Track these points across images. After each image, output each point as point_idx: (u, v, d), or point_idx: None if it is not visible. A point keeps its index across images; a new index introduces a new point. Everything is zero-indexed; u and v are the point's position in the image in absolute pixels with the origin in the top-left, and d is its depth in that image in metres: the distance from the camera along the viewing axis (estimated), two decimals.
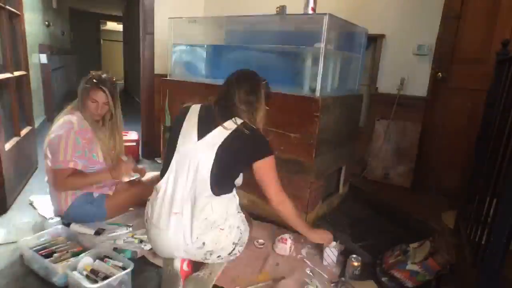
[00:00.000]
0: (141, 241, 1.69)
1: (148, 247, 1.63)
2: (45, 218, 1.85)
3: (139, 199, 1.86)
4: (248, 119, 1.38)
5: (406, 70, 2.68)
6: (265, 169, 1.39)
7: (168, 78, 2.55)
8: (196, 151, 1.32)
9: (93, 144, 1.80)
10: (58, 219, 1.71)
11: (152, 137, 3.12)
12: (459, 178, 2.45)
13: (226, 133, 1.32)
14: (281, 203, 1.46)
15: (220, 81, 2.22)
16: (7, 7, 2.15)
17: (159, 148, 2.60)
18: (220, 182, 1.34)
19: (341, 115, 2.03)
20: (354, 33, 2.25)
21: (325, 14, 1.70)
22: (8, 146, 2.06)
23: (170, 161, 1.36)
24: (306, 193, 1.86)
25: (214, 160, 1.30)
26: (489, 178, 1.44)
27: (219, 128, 1.33)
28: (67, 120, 1.75)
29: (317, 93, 1.78)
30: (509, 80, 1.41)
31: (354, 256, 1.56)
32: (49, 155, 1.71)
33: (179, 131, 1.38)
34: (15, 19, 2.40)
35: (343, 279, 1.51)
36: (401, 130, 2.75)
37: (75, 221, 1.78)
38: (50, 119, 4.51)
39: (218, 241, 1.35)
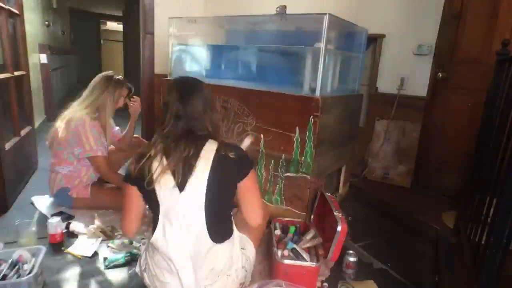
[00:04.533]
0: (131, 242, 1.69)
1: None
2: (46, 218, 1.86)
3: (109, 205, 2.04)
4: (211, 132, 1.19)
5: (406, 70, 2.68)
6: (249, 187, 1.21)
7: (168, 78, 2.55)
8: (183, 206, 1.12)
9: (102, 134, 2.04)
10: (58, 219, 1.71)
11: (152, 137, 3.12)
12: (459, 178, 2.45)
13: (207, 167, 1.11)
14: (265, 217, 1.44)
15: (220, 81, 2.23)
16: (7, 7, 2.15)
17: None
18: (218, 228, 1.19)
19: (341, 115, 2.03)
20: (354, 33, 2.25)
21: (325, 14, 1.70)
22: (8, 146, 2.06)
23: (158, 216, 1.16)
24: (306, 193, 1.86)
25: (205, 205, 1.12)
26: (489, 178, 1.44)
27: (196, 167, 1.11)
28: (79, 119, 1.95)
29: (317, 93, 1.78)
30: (509, 80, 1.41)
31: (351, 251, 1.57)
32: (72, 146, 1.95)
33: (153, 190, 1.13)
34: (15, 19, 2.40)
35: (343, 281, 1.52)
36: (401, 130, 2.75)
37: (58, 203, 2.05)
38: (50, 119, 4.50)
39: (226, 287, 1.25)
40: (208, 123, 1.19)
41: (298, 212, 1.90)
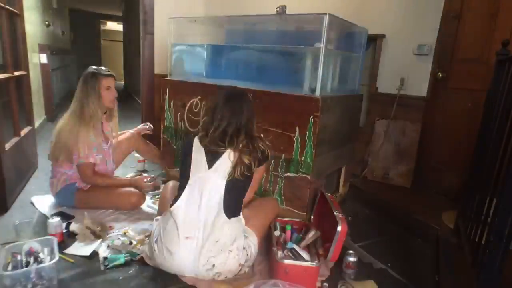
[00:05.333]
0: (130, 242, 1.68)
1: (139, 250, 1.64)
2: (46, 217, 1.86)
3: (108, 204, 2.04)
4: (246, 132, 1.45)
5: (406, 70, 2.68)
6: (257, 176, 1.52)
7: (168, 78, 2.55)
8: (208, 179, 1.40)
9: (101, 135, 2.05)
10: (58, 219, 1.71)
11: (152, 137, 3.12)
12: (459, 178, 2.46)
13: (233, 157, 1.40)
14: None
15: (220, 81, 2.23)
16: (7, 7, 2.15)
17: (159, 147, 2.60)
18: (232, 206, 1.43)
19: (341, 115, 2.03)
20: (354, 33, 2.25)
21: (325, 14, 1.70)
22: (8, 146, 2.06)
23: (183, 189, 1.44)
24: (306, 193, 1.86)
25: (226, 186, 1.39)
26: (489, 178, 1.44)
27: (225, 154, 1.41)
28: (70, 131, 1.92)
29: (317, 93, 1.78)
30: (509, 80, 1.41)
31: (351, 251, 1.57)
32: (70, 154, 1.93)
33: (190, 161, 1.44)
34: (15, 19, 2.40)
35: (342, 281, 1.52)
36: (401, 130, 2.75)
37: (59, 203, 2.05)
38: (50, 119, 4.51)
39: (226, 263, 1.39)
40: (244, 123, 1.45)
41: (298, 212, 1.90)
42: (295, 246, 1.53)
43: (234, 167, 1.39)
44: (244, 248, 1.44)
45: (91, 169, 1.95)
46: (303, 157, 1.82)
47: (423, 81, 2.62)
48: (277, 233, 1.66)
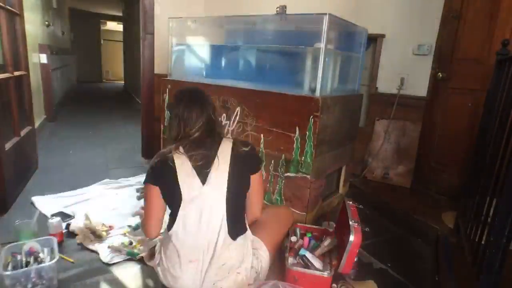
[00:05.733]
0: (131, 243, 1.68)
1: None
2: (46, 217, 1.86)
3: None
4: (220, 131, 1.33)
5: (406, 70, 2.68)
6: (258, 180, 1.35)
7: (168, 78, 2.55)
8: (206, 197, 1.22)
9: None
10: (58, 219, 1.71)
11: (152, 137, 3.12)
12: (459, 178, 2.46)
13: (227, 162, 1.23)
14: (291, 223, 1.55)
15: (220, 81, 2.23)
16: (7, 7, 2.15)
17: (159, 147, 2.60)
18: (235, 223, 1.27)
19: (341, 115, 2.03)
20: (354, 33, 2.25)
21: (325, 14, 1.70)
22: (8, 146, 2.06)
23: (177, 212, 1.23)
24: (306, 193, 1.85)
25: (227, 198, 1.23)
26: (489, 178, 1.44)
27: (216, 162, 1.23)
28: None
29: (317, 93, 1.78)
30: (509, 80, 1.41)
31: None
32: None
33: (177, 185, 1.21)
34: (15, 19, 2.40)
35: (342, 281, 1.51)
36: (401, 130, 2.75)
37: None
38: (50, 119, 4.50)
39: (234, 285, 1.28)
40: (218, 125, 1.31)
41: (298, 212, 1.90)
42: (307, 254, 1.48)
43: (230, 175, 1.22)
44: (252, 267, 1.32)
45: None
46: (303, 157, 1.82)
47: (423, 81, 2.62)
48: (293, 239, 1.62)
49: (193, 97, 1.30)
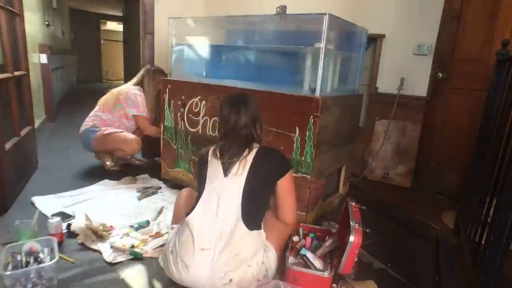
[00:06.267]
0: (132, 246, 1.67)
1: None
2: (46, 217, 1.86)
3: (118, 150, 2.73)
4: (256, 136, 1.45)
5: (406, 70, 2.68)
6: (287, 186, 1.42)
7: (168, 78, 2.55)
8: (224, 188, 1.35)
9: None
10: (58, 219, 1.71)
11: (152, 137, 3.12)
12: (459, 178, 2.46)
13: (249, 163, 1.35)
14: (296, 220, 1.53)
15: (220, 81, 2.23)
16: (7, 7, 2.15)
17: (158, 147, 2.60)
18: (252, 216, 1.36)
19: (341, 115, 2.03)
20: (354, 33, 2.25)
21: (325, 14, 1.70)
22: (8, 146, 2.06)
23: (199, 198, 1.39)
24: (306, 193, 1.85)
25: (243, 192, 1.33)
26: (489, 178, 1.44)
27: (242, 160, 1.36)
28: (135, 90, 2.80)
29: (317, 93, 1.78)
30: (509, 80, 1.41)
31: None
32: (128, 105, 2.74)
33: (206, 171, 1.41)
34: (15, 19, 2.40)
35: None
36: (401, 130, 2.75)
37: (82, 140, 2.79)
38: (50, 119, 4.50)
39: (244, 278, 1.30)
40: (254, 130, 1.44)
41: (298, 212, 1.89)
42: (307, 254, 1.48)
43: (250, 174, 1.34)
44: (263, 263, 1.36)
45: (146, 120, 2.80)
46: (303, 157, 1.82)
47: (423, 81, 2.62)
48: (295, 238, 1.61)
49: (235, 102, 1.45)
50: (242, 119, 1.41)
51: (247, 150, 1.37)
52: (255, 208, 1.39)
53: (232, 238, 1.30)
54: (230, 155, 1.36)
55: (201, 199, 1.38)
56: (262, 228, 1.42)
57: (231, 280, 1.29)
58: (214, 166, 1.39)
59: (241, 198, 1.33)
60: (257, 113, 1.46)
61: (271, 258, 1.42)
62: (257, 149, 1.39)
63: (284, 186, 1.41)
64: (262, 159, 1.37)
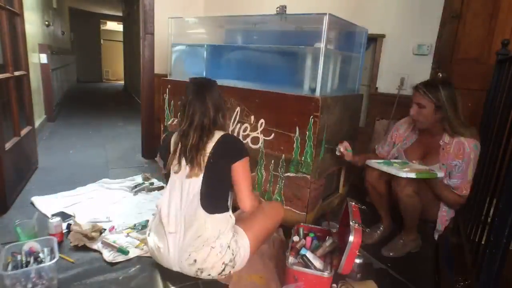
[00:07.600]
0: (127, 251, 1.66)
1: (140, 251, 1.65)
2: (46, 217, 1.86)
3: None
4: (220, 125, 1.47)
5: (406, 70, 2.67)
6: (238, 170, 1.44)
7: (168, 78, 2.55)
8: (185, 174, 1.42)
9: None
10: (58, 218, 1.71)
11: (152, 137, 3.13)
12: None
13: (208, 150, 1.40)
14: (253, 207, 1.51)
15: (220, 81, 2.23)
16: (7, 7, 2.15)
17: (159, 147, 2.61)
18: (211, 201, 1.42)
19: (341, 115, 2.03)
20: (354, 33, 2.25)
21: (325, 14, 1.70)
22: (8, 146, 2.06)
23: (167, 183, 1.50)
24: (306, 193, 1.86)
25: (203, 178, 1.40)
26: (489, 178, 1.44)
27: (201, 148, 1.40)
28: None
29: (317, 93, 1.78)
30: (509, 80, 1.41)
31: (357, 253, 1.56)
32: None
33: (166, 158, 1.49)
34: (15, 19, 2.40)
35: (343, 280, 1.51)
36: None
37: None
38: (50, 119, 4.51)
39: (207, 259, 1.38)
40: (218, 118, 1.45)
41: (298, 212, 1.90)
42: (307, 254, 1.48)
43: (209, 161, 1.39)
44: (229, 246, 1.41)
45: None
46: (303, 157, 1.82)
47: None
48: (295, 238, 1.62)
49: (200, 88, 1.45)
50: (205, 106, 1.42)
51: (205, 138, 1.41)
52: (215, 193, 1.44)
53: (195, 220, 1.39)
54: (192, 142, 1.39)
55: (167, 185, 1.49)
56: (230, 211, 1.48)
57: (195, 261, 1.39)
58: (176, 154, 1.44)
59: (200, 184, 1.39)
60: (220, 101, 1.49)
61: (240, 245, 1.46)
62: (218, 136, 1.42)
63: (237, 170, 1.44)
64: (221, 145, 1.41)
